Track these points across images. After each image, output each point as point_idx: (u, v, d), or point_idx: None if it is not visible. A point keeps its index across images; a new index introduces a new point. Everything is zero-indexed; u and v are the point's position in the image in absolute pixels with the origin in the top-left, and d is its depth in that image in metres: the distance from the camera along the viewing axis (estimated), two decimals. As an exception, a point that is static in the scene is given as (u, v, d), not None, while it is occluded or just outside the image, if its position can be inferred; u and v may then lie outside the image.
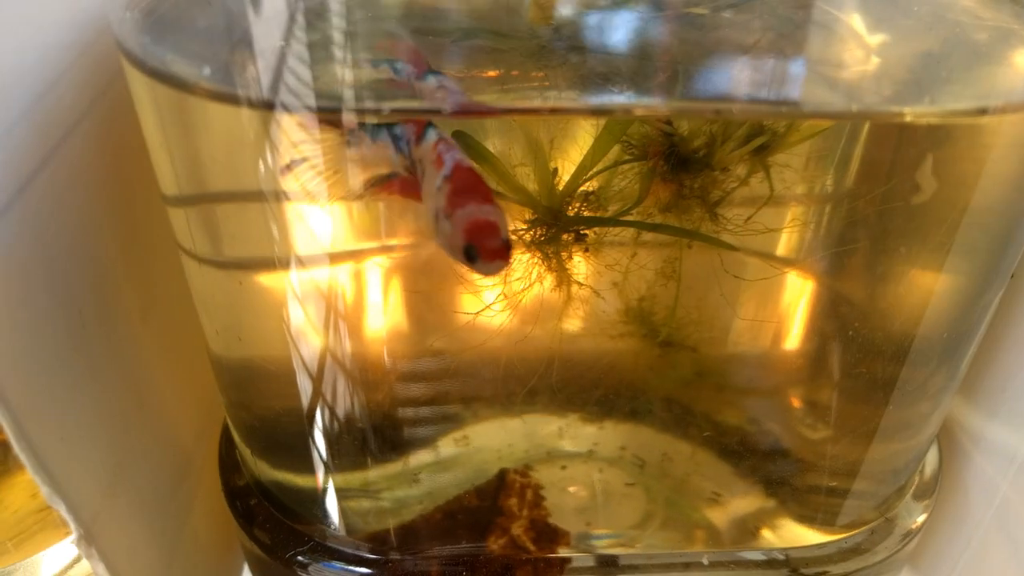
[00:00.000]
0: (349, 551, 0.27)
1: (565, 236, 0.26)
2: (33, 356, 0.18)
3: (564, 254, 0.26)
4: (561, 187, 0.25)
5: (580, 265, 0.27)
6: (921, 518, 0.32)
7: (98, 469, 0.21)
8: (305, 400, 0.26)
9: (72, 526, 0.20)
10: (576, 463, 0.32)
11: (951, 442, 0.35)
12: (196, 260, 0.24)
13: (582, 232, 0.26)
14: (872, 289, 0.27)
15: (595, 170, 0.25)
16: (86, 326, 0.21)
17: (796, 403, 0.31)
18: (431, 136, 0.19)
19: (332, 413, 0.26)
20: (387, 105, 0.20)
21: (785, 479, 0.31)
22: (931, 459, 0.34)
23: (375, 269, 0.25)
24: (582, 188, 0.25)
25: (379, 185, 0.21)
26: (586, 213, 0.25)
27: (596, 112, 0.22)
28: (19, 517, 0.28)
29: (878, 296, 0.27)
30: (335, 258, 0.23)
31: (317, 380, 0.26)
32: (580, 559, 0.29)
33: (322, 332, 0.24)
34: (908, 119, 0.21)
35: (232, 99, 0.19)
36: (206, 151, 0.22)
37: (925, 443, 0.32)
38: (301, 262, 0.23)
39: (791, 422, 0.31)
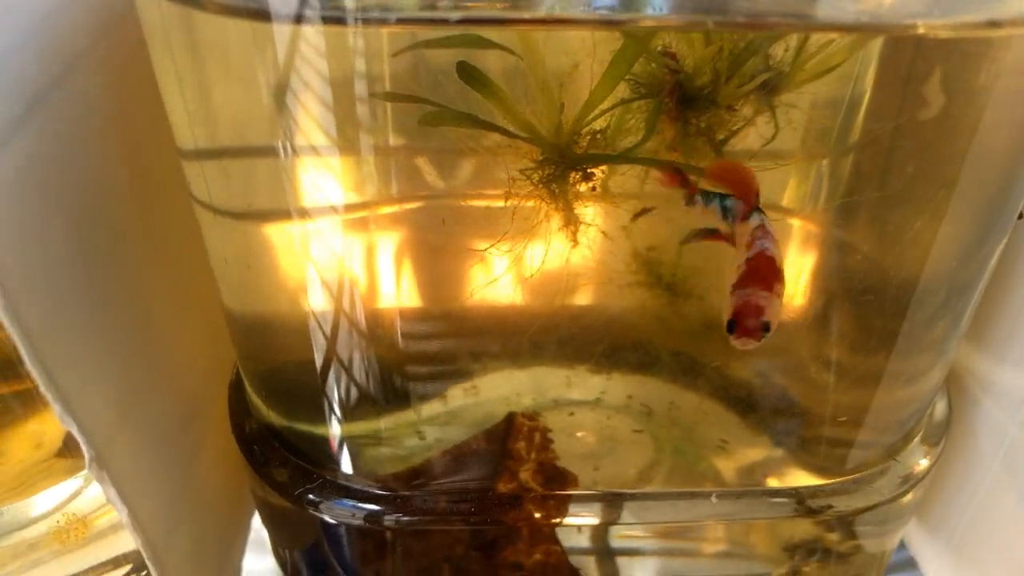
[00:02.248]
0: (359, 488, 0.28)
1: (572, 175, 0.26)
2: (46, 279, 0.19)
3: (571, 194, 0.26)
4: (568, 125, 0.25)
5: (587, 209, 0.26)
6: (926, 461, 0.32)
7: (109, 398, 0.22)
8: (317, 351, 0.26)
9: (84, 448, 0.20)
10: (584, 410, 0.32)
11: (960, 390, 0.35)
12: (210, 210, 0.24)
13: (589, 171, 0.26)
14: (878, 234, 0.27)
15: (601, 108, 0.25)
16: (97, 255, 0.21)
17: (802, 353, 0.30)
18: (754, 220, 0.23)
19: (342, 363, 0.27)
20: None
21: (792, 428, 0.32)
22: (940, 407, 0.34)
23: (387, 221, 0.25)
24: (589, 127, 0.25)
25: (701, 236, 0.25)
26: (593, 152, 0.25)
27: (600, 23, 0.21)
28: (23, 467, 0.29)
29: (884, 242, 0.27)
30: (349, 208, 0.23)
31: (329, 331, 0.26)
32: (586, 495, 0.29)
33: (335, 284, 0.25)
34: (921, 31, 0.20)
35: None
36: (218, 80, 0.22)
37: (932, 390, 0.32)
38: (313, 211, 0.23)
39: (797, 373, 0.31)
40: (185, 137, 0.23)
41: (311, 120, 0.21)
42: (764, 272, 0.21)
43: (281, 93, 0.21)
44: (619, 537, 0.33)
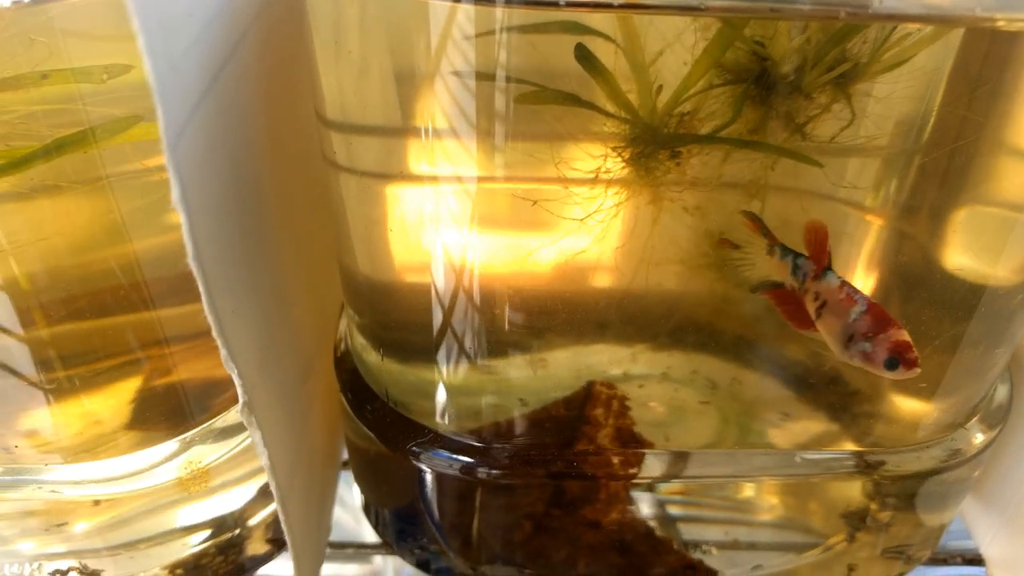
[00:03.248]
0: (457, 440, 0.30)
1: (661, 154, 0.28)
2: (217, 238, 0.21)
3: (659, 171, 0.28)
4: (661, 107, 0.27)
5: (670, 189, 0.28)
6: (984, 439, 0.33)
7: (254, 349, 0.24)
8: (435, 312, 0.29)
9: (239, 391, 0.23)
10: (652, 383, 0.34)
11: (1019, 367, 0.36)
12: (356, 175, 0.27)
13: (677, 150, 0.28)
14: (946, 225, 0.28)
15: (692, 91, 0.27)
16: (248, 218, 0.24)
17: None
18: (832, 278, 0.26)
19: (454, 325, 0.29)
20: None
21: (848, 407, 0.33)
22: (1002, 390, 0.35)
23: (503, 196, 0.27)
24: (679, 109, 0.27)
25: (769, 288, 0.28)
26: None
27: (698, 9, 0.23)
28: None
29: (952, 232, 0.28)
30: (481, 179, 0.26)
31: (447, 296, 0.28)
32: (659, 453, 0.32)
33: (457, 251, 0.27)
34: (1000, 24, 0.22)
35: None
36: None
37: (995, 375, 0.33)
38: (447, 180, 0.26)
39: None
40: (335, 107, 0.26)
41: (448, 97, 0.24)
42: (886, 315, 0.25)
43: (431, 70, 0.23)
44: (684, 503, 0.35)
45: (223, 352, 0.22)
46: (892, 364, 0.25)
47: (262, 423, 0.24)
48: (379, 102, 0.25)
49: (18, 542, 0.34)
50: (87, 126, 0.24)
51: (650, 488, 0.34)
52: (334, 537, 0.38)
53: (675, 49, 0.25)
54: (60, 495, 0.31)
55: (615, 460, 0.32)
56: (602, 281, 0.31)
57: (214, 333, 0.21)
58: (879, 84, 0.26)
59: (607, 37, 0.25)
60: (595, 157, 0.27)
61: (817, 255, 0.27)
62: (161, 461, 0.32)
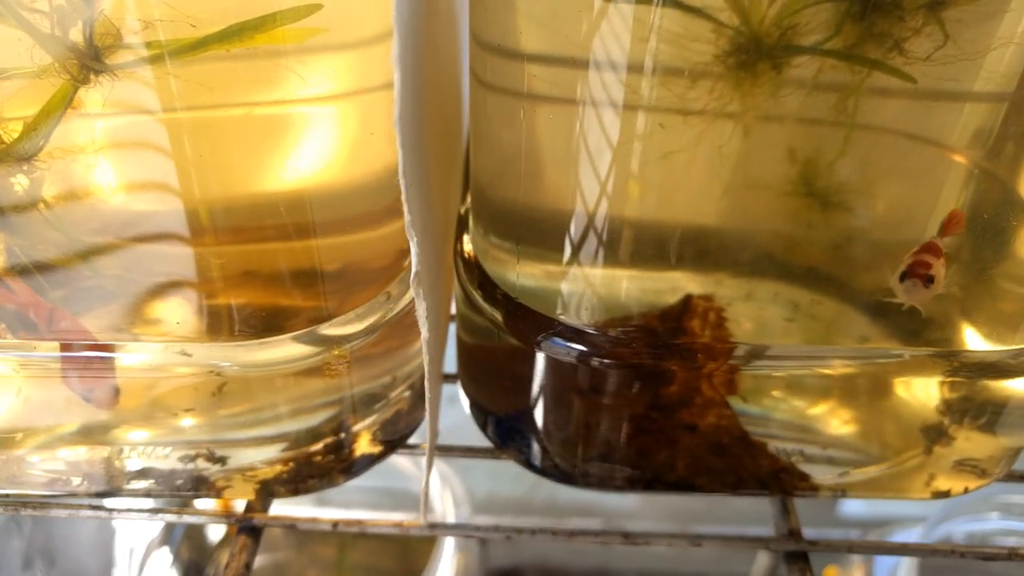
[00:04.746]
0: (576, 330, 0.33)
1: (763, 64, 0.30)
2: (411, 108, 0.24)
3: (763, 80, 0.30)
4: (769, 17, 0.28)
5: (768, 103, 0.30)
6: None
7: (420, 227, 0.27)
8: (565, 214, 0.32)
9: (414, 260, 0.25)
10: (737, 303, 0.36)
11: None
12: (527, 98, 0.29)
13: (779, 62, 0.30)
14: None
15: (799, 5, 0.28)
16: (420, 103, 0.26)
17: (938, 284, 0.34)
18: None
19: (573, 237, 0.32)
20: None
21: (925, 333, 0.35)
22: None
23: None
24: (785, 20, 0.28)
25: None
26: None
27: None
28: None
29: None
30: (629, 106, 0.28)
31: (574, 201, 0.31)
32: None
33: (586, 178, 0.30)
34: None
35: None
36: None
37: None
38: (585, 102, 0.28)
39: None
40: (495, 27, 0.29)
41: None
42: (934, 248, 0.29)
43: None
44: (775, 408, 0.37)
45: (407, 218, 0.24)
46: (901, 277, 0.29)
47: (427, 294, 0.27)
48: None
49: (147, 428, 0.37)
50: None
51: (744, 399, 0.36)
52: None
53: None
54: (190, 361, 0.34)
55: (713, 345, 0.34)
56: (696, 202, 0.32)
57: (403, 198, 0.24)
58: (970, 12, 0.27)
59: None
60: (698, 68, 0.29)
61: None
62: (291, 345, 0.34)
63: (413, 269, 0.26)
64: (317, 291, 0.34)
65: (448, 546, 0.69)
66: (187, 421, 0.37)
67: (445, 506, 0.73)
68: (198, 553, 0.83)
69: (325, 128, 0.30)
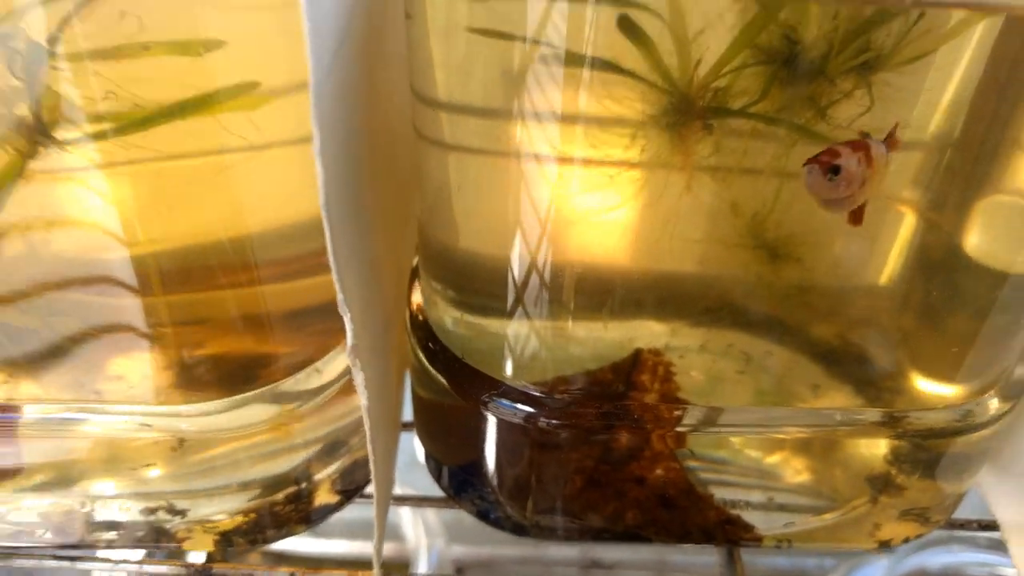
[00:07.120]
0: (522, 391, 0.34)
1: (694, 125, 0.30)
2: (339, 191, 0.24)
3: (691, 141, 0.30)
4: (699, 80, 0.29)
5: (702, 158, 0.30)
6: (999, 412, 0.36)
7: (358, 298, 0.27)
8: (511, 268, 0.32)
9: (349, 335, 0.26)
10: (691, 354, 0.36)
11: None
12: (442, 148, 0.30)
13: (709, 123, 0.30)
14: (968, 220, 0.31)
15: (726, 69, 0.29)
16: (355, 179, 0.27)
17: (887, 325, 0.35)
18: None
19: (516, 290, 0.33)
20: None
21: (874, 382, 0.36)
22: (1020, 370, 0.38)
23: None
24: (713, 84, 0.29)
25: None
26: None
27: None
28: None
29: (974, 227, 0.31)
30: (563, 160, 0.29)
31: (518, 261, 0.32)
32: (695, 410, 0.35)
33: (530, 222, 0.30)
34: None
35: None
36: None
37: (1014, 358, 0.36)
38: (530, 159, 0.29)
39: (881, 342, 0.35)
40: (427, 82, 0.29)
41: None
42: (857, 144, 0.26)
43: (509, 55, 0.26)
44: (722, 462, 0.38)
45: (340, 297, 0.25)
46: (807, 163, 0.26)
47: (365, 366, 0.27)
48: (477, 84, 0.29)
49: (108, 481, 0.38)
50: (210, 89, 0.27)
51: (692, 452, 0.37)
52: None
53: (715, 27, 0.27)
54: (150, 429, 0.34)
55: (661, 408, 0.35)
56: (643, 256, 0.33)
57: (334, 278, 0.24)
58: (900, 75, 0.28)
59: (650, 9, 0.26)
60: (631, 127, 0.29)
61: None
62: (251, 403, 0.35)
63: (349, 343, 0.27)
64: (270, 345, 0.35)
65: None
66: (151, 472, 0.38)
67: (418, 537, 0.73)
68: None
69: (267, 177, 0.31)
